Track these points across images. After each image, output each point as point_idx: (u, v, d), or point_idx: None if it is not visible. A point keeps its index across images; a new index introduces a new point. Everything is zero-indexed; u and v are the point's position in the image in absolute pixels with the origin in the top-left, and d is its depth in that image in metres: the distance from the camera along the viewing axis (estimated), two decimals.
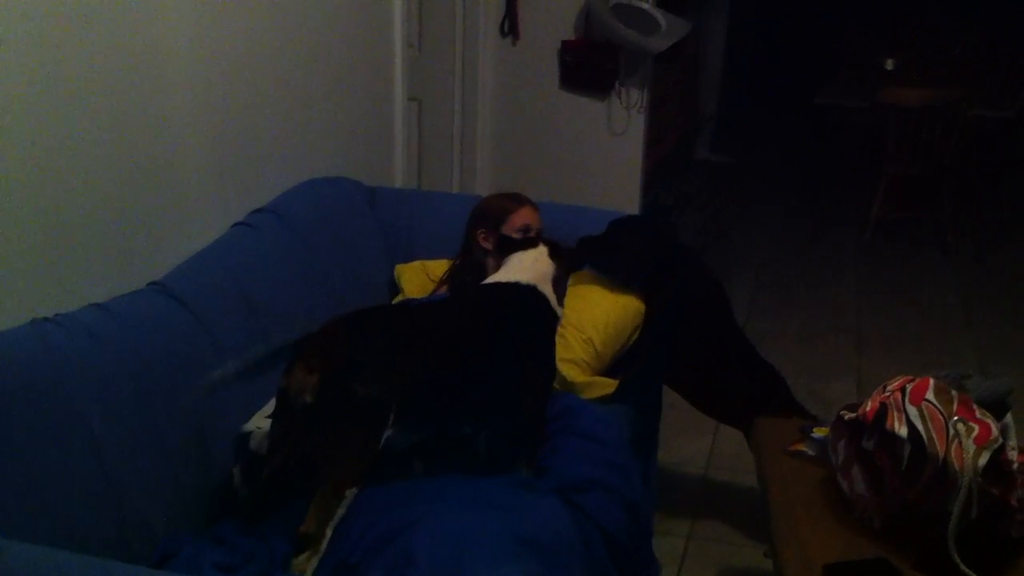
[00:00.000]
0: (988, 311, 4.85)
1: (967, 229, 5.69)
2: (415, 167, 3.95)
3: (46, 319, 1.84)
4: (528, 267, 2.29)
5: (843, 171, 6.09)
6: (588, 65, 4.10)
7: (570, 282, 2.47)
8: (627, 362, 2.75)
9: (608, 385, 2.57)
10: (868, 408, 1.96)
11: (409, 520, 1.78)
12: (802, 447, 2.25)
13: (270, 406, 1.98)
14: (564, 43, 4.12)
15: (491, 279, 2.34)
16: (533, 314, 2.25)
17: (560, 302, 2.34)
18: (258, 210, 2.56)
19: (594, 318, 2.64)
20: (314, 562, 1.76)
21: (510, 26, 4.15)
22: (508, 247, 2.41)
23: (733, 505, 3.11)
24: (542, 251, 2.33)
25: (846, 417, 2.03)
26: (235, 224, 2.48)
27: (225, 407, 2.11)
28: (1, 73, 1.75)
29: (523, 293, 2.24)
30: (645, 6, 4.03)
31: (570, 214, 3.04)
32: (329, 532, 1.78)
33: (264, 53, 2.61)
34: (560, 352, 2.43)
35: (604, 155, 4.17)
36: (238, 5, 2.46)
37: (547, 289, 2.28)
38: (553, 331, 2.33)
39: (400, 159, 3.48)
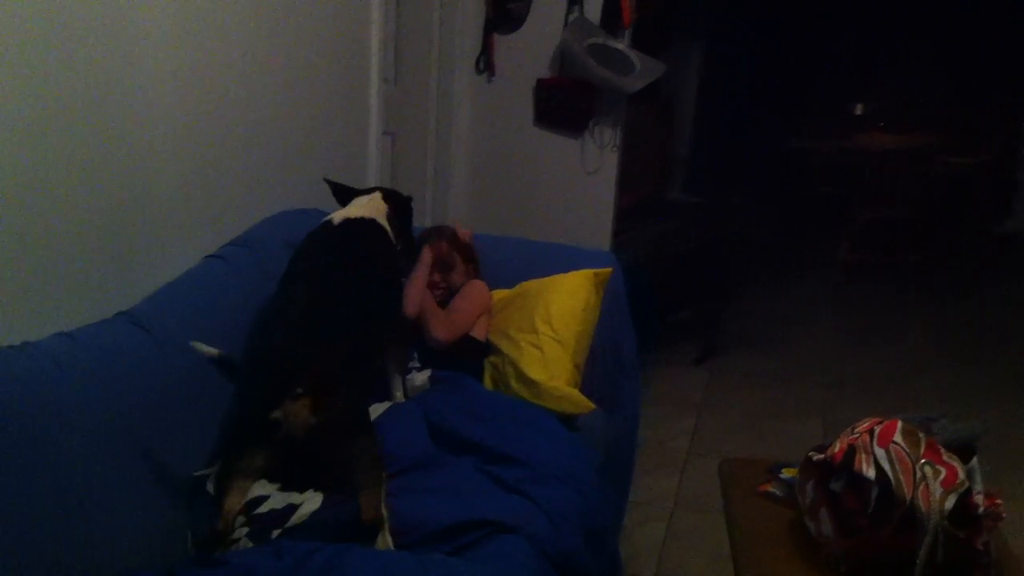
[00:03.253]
0: (955, 354, 4.89)
1: (936, 274, 5.75)
2: None
3: (11, 347, 1.82)
4: (364, 205, 2.48)
5: (815, 214, 6.15)
6: (563, 103, 4.13)
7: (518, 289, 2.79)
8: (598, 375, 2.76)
9: (583, 406, 2.56)
10: (837, 449, 1.96)
11: None
12: (770, 487, 2.25)
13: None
14: (539, 81, 4.15)
15: (335, 215, 2.45)
16: (373, 242, 2.41)
17: (399, 243, 2.49)
18: (231, 242, 2.54)
19: (566, 326, 2.66)
20: (390, 539, 1.93)
21: (486, 63, 4.18)
22: (345, 194, 2.57)
23: (701, 544, 3.10)
24: (376, 196, 2.52)
25: (815, 458, 2.02)
26: (207, 256, 2.46)
27: (186, 445, 2.09)
28: None
29: (363, 224, 2.41)
30: (620, 47, 4.07)
31: (542, 250, 3.06)
32: (385, 511, 1.95)
33: (241, 85, 2.61)
34: (532, 357, 2.51)
35: (577, 193, 4.19)
36: (217, 38, 2.46)
37: (383, 223, 2.46)
38: (395, 259, 2.46)
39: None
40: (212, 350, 2.05)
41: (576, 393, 2.57)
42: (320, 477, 2.03)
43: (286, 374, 1.96)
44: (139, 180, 2.23)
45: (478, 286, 2.80)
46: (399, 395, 2.51)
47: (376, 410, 2.37)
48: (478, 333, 2.76)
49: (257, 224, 2.67)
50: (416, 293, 2.63)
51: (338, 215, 2.45)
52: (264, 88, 2.74)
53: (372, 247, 2.41)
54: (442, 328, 2.66)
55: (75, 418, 1.81)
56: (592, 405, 2.56)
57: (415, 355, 2.67)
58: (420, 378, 2.58)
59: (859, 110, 6.37)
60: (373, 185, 3.46)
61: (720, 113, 7.49)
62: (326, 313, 2.12)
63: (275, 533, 1.92)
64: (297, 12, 2.88)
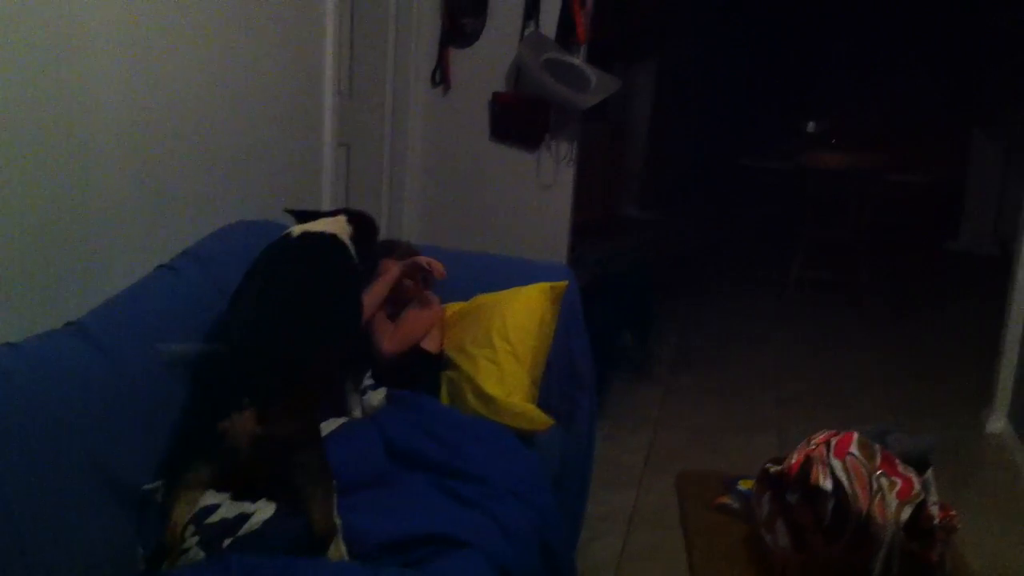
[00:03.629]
0: (905, 369, 4.96)
1: (885, 291, 5.83)
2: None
3: None
4: (327, 222, 2.46)
5: (766, 231, 6.22)
6: (518, 117, 4.13)
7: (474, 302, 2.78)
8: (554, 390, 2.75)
9: (541, 422, 2.54)
10: (793, 461, 1.97)
11: None
12: (726, 500, 2.25)
13: None
14: (495, 95, 4.14)
15: (294, 229, 2.44)
16: (331, 256, 2.38)
17: (361, 262, 2.45)
18: (182, 253, 2.50)
19: (522, 341, 2.66)
20: (344, 548, 1.92)
21: (441, 76, 4.17)
22: (308, 219, 2.52)
23: (658, 559, 3.09)
24: (340, 217, 2.49)
25: (771, 470, 2.03)
26: (159, 267, 2.42)
27: (136, 458, 2.03)
28: None
29: (323, 238, 2.39)
30: (576, 62, 4.08)
31: (497, 264, 3.05)
32: (338, 520, 1.93)
33: (194, 95, 2.58)
34: (489, 373, 2.51)
35: (533, 207, 4.18)
36: (169, 47, 2.43)
37: (345, 240, 2.42)
38: (355, 275, 2.43)
39: (328, 203, 3.45)
40: (180, 348, 2.03)
41: (533, 409, 2.56)
42: (270, 488, 2.00)
43: (233, 386, 1.95)
44: (88, 187, 2.18)
45: (428, 299, 2.78)
46: (357, 412, 2.48)
47: (331, 425, 2.34)
48: (430, 346, 2.73)
49: (210, 235, 2.63)
50: (371, 305, 2.60)
51: (297, 229, 2.43)
52: (216, 98, 2.70)
53: (330, 261, 2.37)
54: (388, 339, 2.64)
55: (16, 428, 1.75)
56: (550, 421, 2.55)
57: (369, 373, 2.64)
58: (376, 397, 2.56)
59: (811, 128, 6.46)
60: (330, 199, 3.47)
61: (673, 131, 7.56)
62: (276, 327, 2.10)
63: (226, 542, 1.89)
64: (250, 22, 2.85)
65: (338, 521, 1.94)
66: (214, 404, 1.97)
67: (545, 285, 2.79)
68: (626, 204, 6.83)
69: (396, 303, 2.75)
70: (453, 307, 2.87)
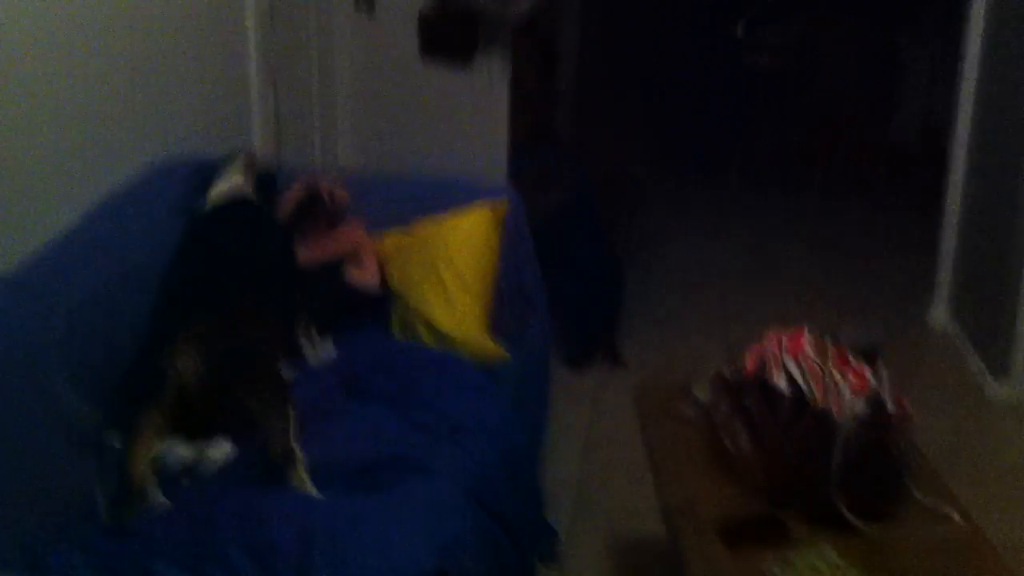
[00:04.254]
0: (844, 262, 5.02)
1: (820, 183, 5.91)
2: (274, 144, 3.82)
3: None
4: (228, 184, 2.52)
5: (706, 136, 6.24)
6: (447, 35, 4.03)
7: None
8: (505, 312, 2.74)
9: (497, 355, 2.53)
10: (747, 363, 1.98)
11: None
12: (684, 407, 2.25)
13: None
14: (421, 14, 4.03)
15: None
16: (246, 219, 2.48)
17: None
18: (112, 197, 2.41)
19: (469, 269, 2.62)
20: (306, 476, 1.89)
21: None
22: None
23: (620, 470, 3.11)
24: (235, 178, 2.54)
25: (726, 374, 2.04)
26: (86, 213, 2.33)
27: (88, 405, 2.01)
28: None
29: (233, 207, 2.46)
30: None
31: (438, 186, 2.99)
32: (296, 446, 1.91)
33: (111, 28, 2.49)
34: (440, 306, 2.51)
35: (468, 126, 4.11)
36: None
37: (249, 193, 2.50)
38: (269, 228, 2.51)
39: (258, 136, 3.37)
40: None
41: (489, 343, 2.56)
42: (225, 423, 2.00)
43: (169, 325, 2.03)
44: (10, 129, 2.12)
45: (346, 224, 2.72)
46: (312, 360, 2.45)
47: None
48: (368, 279, 2.66)
49: (140, 177, 2.54)
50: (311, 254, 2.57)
51: (212, 195, 2.49)
52: (138, 30, 2.62)
53: (244, 226, 2.47)
54: (303, 253, 2.58)
55: None
56: (506, 355, 2.54)
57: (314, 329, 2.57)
58: (326, 348, 2.51)
59: (739, 32, 6.40)
60: (259, 128, 3.38)
61: (604, 45, 7.46)
62: (204, 280, 2.23)
63: (185, 482, 1.90)
64: None
65: (296, 447, 1.92)
66: (155, 346, 2.02)
67: (487, 210, 2.74)
68: (560, 125, 6.77)
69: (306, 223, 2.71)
70: (393, 237, 2.79)
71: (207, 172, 2.55)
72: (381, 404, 2.23)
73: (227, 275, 2.28)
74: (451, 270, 2.62)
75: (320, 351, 2.45)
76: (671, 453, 2.13)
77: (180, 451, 1.95)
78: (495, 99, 4.09)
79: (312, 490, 1.89)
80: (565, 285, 3.59)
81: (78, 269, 2.16)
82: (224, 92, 3.22)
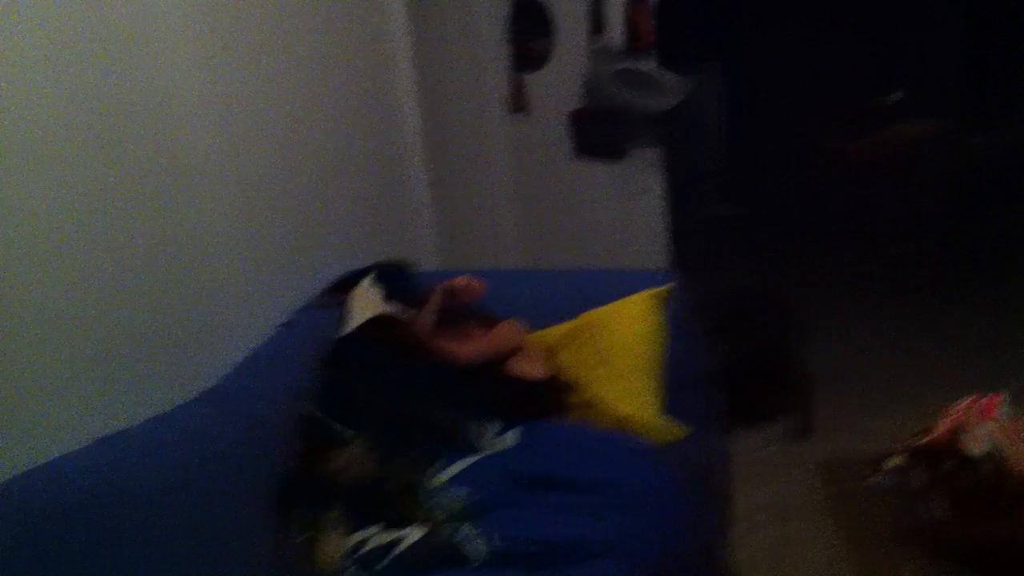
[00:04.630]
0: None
1: (979, 260, 5.69)
2: (439, 252, 3.97)
3: (103, 439, 1.83)
4: (362, 306, 2.60)
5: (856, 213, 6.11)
6: (598, 131, 4.14)
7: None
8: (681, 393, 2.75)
9: (677, 433, 2.52)
10: (939, 432, 1.94)
11: None
12: (874, 480, 2.21)
13: None
14: (572, 112, 4.16)
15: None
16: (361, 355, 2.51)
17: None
18: (301, 308, 2.57)
19: (641, 353, 2.65)
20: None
21: (517, 101, 4.20)
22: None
23: (812, 548, 3.03)
24: (368, 292, 2.65)
25: (918, 443, 2.00)
26: (280, 324, 2.49)
27: (289, 520, 2.10)
28: (40, 192, 1.79)
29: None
30: (646, 69, 4.08)
31: (601, 277, 3.06)
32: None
33: (284, 151, 2.67)
34: (617, 392, 2.53)
35: (625, 217, 4.18)
36: (257, 109, 2.53)
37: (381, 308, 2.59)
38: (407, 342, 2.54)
39: (426, 247, 3.51)
40: None
41: (668, 422, 2.55)
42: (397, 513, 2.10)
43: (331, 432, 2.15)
44: (199, 254, 2.27)
45: (505, 323, 2.77)
46: (486, 449, 2.50)
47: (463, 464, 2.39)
48: (532, 371, 2.70)
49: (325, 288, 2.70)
50: (423, 329, 2.66)
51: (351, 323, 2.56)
52: (305, 150, 2.80)
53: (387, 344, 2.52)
54: (466, 351, 2.63)
55: (173, 501, 1.82)
56: (686, 430, 2.54)
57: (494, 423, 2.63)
58: (511, 438, 2.57)
59: (894, 98, 6.29)
60: (428, 238, 3.52)
61: (749, 125, 7.48)
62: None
63: (380, 565, 1.97)
64: (330, 80, 2.95)
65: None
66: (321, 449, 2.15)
67: (650, 291, 2.80)
68: (709, 204, 6.80)
69: (455, 325, 2.77)
70: (560, 328, 2.86)
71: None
72: (563, 490, 2.26)
73: (369, 388, 2.38)
74: (624, 356, 2.65)
75: (506, 440, 2.52)
76: (863, 528, 2.09)
77: (373, 539, 2.04)
78: (649, 189, 4.16)
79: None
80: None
81: (274, 381, 2.28)
82: (389, 203, 3.37)
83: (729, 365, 3.13)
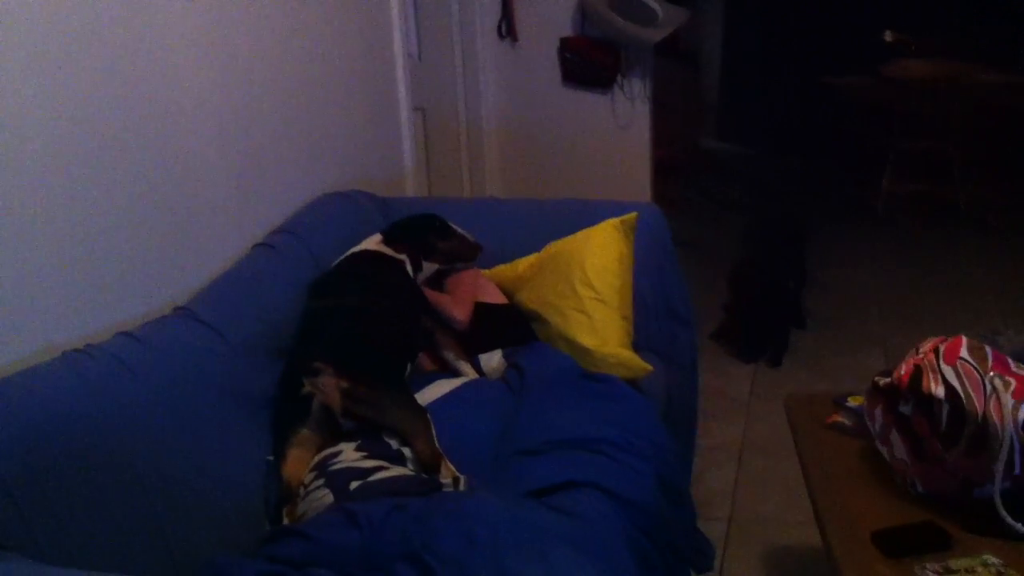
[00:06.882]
0: (1009, 279, 4.82)
1: (981, 199, 5.66)
2: (424, 174, 3.96)
3: (77, 351, 1.85)
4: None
5: (851, 149, 6.07)
6: (588, 60, 4.10)
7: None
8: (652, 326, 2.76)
9: (640, 369, 2.52)
10: (903, 372, 1.95)
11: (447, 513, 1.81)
12: (838, 418, 2.24)
13: None
14: (563, 40, 4.12)
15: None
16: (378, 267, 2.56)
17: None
18: (277, 230, 2.57)
19: (606, 283, 2.63)
20: (451, 466, 2.06)
21: (507, 28, 4.16)
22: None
23: (773, 484, 3.09)
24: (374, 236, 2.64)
25: (881, 383, 2.01)
26: (256, 245, 2.49)
27: (263, 431, 2.15)
28: (26, 103, 1.80)
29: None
30: None
31: (578, 208, 3.04)
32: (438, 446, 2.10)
33: (270, 75, 2.64)
34: (580, 323, 2.54)
35: (612, 148, 4.16)
36: (247, 33, 2.51)
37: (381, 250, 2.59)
38: (397, 275, 2.55)
39: (409, 168, 3.49)
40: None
41: (632, 356, 2.53)
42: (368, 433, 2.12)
43: (307, 356, 2.15)
44: (185, 171, 2.28)
45: (466, 271, 2.77)
46: (471, 374, 2.54)
47: (443, 387, 2.40)
48: (494, 298, 2.72)
49: (302, 209, 2.70)
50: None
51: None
52: (292, 75, 2.77)
53: (374, 271, 2.54)
54: (455, 310, 2.61)
55: (150, 421, 1.85)
56: (649, 367, 2.53)
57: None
58: (495, 359, 2.58)
59: (888, 37, 6.24)
60: (410, 163, 3.51)
61: (747, 56, 7.40)
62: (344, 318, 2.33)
63: (353, 485, 1.95)
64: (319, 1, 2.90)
65: (439, 447, 2.09)
66: (295, 374, 2.16)
67: (615, 220, 2.72)
68: (704, 137, 6.75)
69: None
70: (527, 260, 2.82)
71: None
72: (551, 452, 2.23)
73: (355, 305, 2.39)
74: (588, 286, 2.60)
75: (492, 361, 2.57)
76: (825, 464, 2.11)
77: (343, 455, 2.06)
78: (637, 121, 4.14)
79: (458, 474, 2.02)
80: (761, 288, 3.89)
81: (249, 299, 2.30)
82: (376, 126, 3.35)
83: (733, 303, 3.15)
